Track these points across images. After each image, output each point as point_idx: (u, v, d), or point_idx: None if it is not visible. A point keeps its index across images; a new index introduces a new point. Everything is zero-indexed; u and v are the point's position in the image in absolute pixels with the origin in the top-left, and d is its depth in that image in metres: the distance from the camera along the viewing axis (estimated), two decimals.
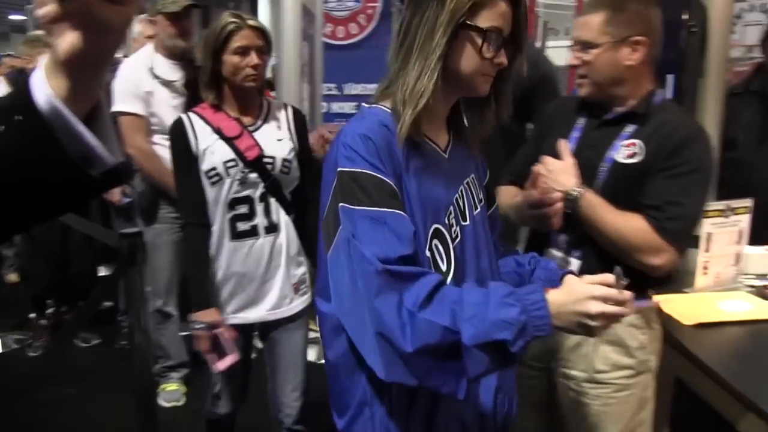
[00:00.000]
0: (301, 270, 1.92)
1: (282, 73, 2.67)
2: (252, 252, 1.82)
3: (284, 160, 1.83)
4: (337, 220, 0.99)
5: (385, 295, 0.94)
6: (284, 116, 1.90)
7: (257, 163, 1.79)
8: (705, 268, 1.94)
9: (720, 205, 1.92)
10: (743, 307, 1.80)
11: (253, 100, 1.85)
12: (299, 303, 1.92)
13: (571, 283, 1.05)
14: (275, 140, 1.84)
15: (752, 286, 1.97)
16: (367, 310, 0.95)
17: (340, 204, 0.98)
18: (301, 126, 1.92)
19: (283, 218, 1.85)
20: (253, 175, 1.79)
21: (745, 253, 2.03)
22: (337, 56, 4.72)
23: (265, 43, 1.80)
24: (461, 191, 1.12)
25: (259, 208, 1.81)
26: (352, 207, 0.97)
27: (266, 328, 1.95)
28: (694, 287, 1.93)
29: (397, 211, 0.98)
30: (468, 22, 1.00)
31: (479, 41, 1.02)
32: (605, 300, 0.99)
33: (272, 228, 1.83)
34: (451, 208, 1.09)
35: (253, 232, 1.81)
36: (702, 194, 1.46)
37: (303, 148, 1.91)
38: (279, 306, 1.88)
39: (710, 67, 2.18)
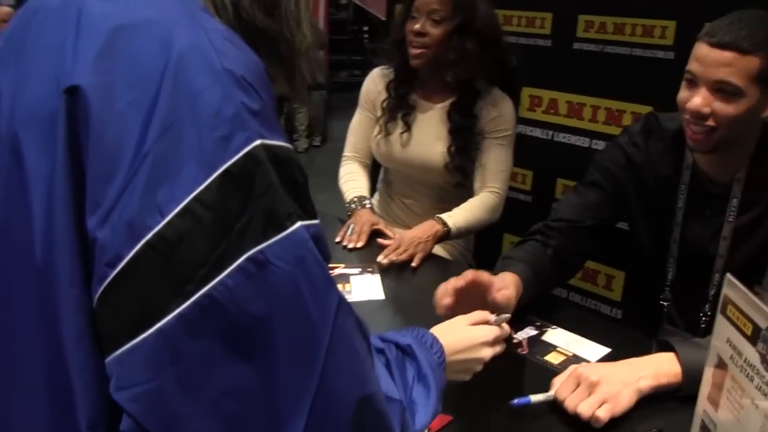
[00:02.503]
0: None
1: None
2: None
3: None
4: (228, 245, 0.48)
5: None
6: None
7: None
8: None
9: None
10: None
11: None
12: None
13: (460, 326, 0.90)
14: None
15: None
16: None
17: (297, 223, 0.51)
18: None
19: None
20: None
21: None
22: None
23: None
24: None
25: None
26: (307, 224, 0.52)
27: None
28: None
29: None
30: None
31: None
32: (495, 343, 0.90)
33: None
34: None
35: None
36: None
37: None
38: None
39: None
